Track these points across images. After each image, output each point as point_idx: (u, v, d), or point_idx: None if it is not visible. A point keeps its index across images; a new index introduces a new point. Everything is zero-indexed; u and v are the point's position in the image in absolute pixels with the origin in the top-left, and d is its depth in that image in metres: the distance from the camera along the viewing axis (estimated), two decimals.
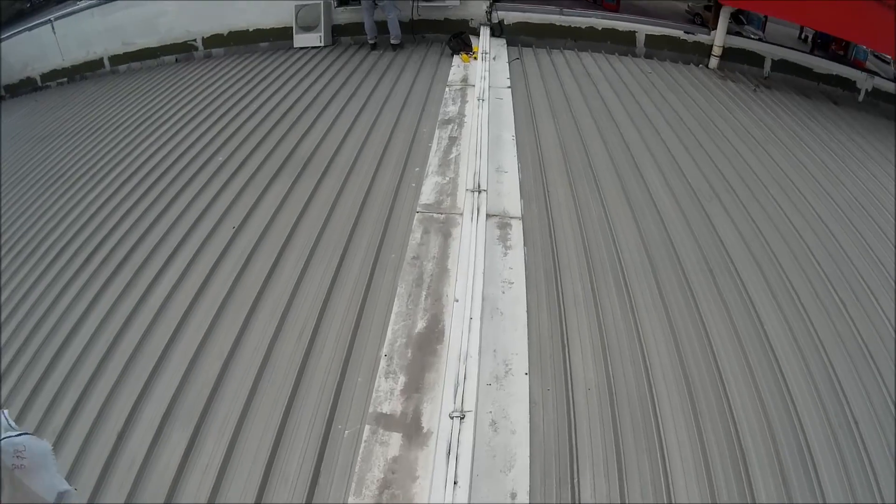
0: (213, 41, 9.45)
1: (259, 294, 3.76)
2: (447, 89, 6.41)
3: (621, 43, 8.47)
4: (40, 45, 10.38)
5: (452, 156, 5.04)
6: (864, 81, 8.38)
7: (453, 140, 5.27)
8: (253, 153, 5.54)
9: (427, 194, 4.55)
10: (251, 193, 4.88)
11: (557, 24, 8.43)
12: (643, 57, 8.48)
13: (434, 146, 5.21)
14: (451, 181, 4.69)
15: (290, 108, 6.42)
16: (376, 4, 8.01)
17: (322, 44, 8.63)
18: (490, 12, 8.36)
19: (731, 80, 8.02)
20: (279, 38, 9.00)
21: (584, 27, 8.48)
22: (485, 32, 8.12)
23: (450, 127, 5.52)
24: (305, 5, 8.63)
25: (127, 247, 4.46)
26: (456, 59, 7.48)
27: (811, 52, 10.63)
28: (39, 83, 10.85)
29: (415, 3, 8.05)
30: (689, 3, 24.83)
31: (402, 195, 4.63)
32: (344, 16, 8.68)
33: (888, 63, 9.80)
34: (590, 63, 7.81)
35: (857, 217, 4.99)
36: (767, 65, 8.55)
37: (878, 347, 3.58)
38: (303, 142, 5.62)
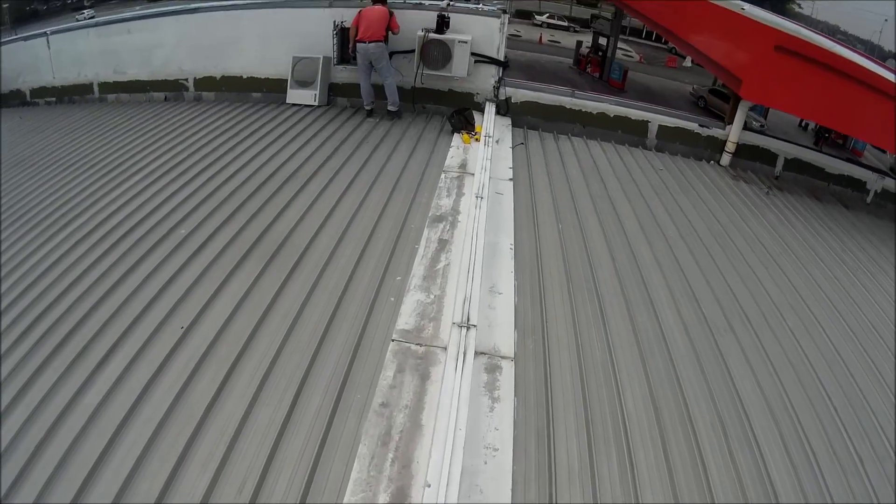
0: (205, 84, 8.93)
1: (196, 430, 3.08)
2: (443, 176, 5.84)
3: (632, 132, 8.03)
4: (34, 58, 9.97)
5: (440, 265, 4.42)
6: (874, 182, 8.27)
7: (443, 244, 4.67)
8: (220, 229, 4.91)
9: (406, 316, 3.91)
10: (209, 284, 4.23)
11: (568, 107, 7.98)
12: (654, 149, 8.05)
13: (421, 250, 4.60)
14: (435, 301, 4.05)
15: (271, 175, 5.83)
16: (373, 67, 7.49)
17: (316, 102, 8.10)
18: (497, 88, 7.89)
19: (743, 180, 7.61)
20: (273, 89, 8.49)
21: (594, 112, 8.04)
22: (490, 109, 7.63)
23: (441, 226, 4.92)
24: (303, 59, 8.12)
25: (59, 335, 3.82)
26: (456, 139, 6.95)
27: (816, 144, 10.48)
28: (28, 98, 10.36)
29: (418, 71, 7.50)
30: (694, 86, 25.12)
31: (377, 312, 3.99)
32: (343, 75, 8.18)
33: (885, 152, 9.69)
34: (598, 154, 7.33)
35: (872, 345, 4.73)
36: (780, 164, 8.28)
37: None
38: (278, 221, 5.01)
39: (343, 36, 7.69)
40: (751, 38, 7.41)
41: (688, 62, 34.41)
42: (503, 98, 7.92)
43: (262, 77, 8.61)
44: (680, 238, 5.52)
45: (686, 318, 4.45)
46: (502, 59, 7.74)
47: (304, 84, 8.15)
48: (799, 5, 42.95)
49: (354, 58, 7.43)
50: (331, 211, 5.11)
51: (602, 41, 26.76)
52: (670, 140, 8.15)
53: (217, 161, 6.22)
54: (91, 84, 9.94)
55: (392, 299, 4.13)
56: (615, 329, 4.14)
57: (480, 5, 7.83)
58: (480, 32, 7.66)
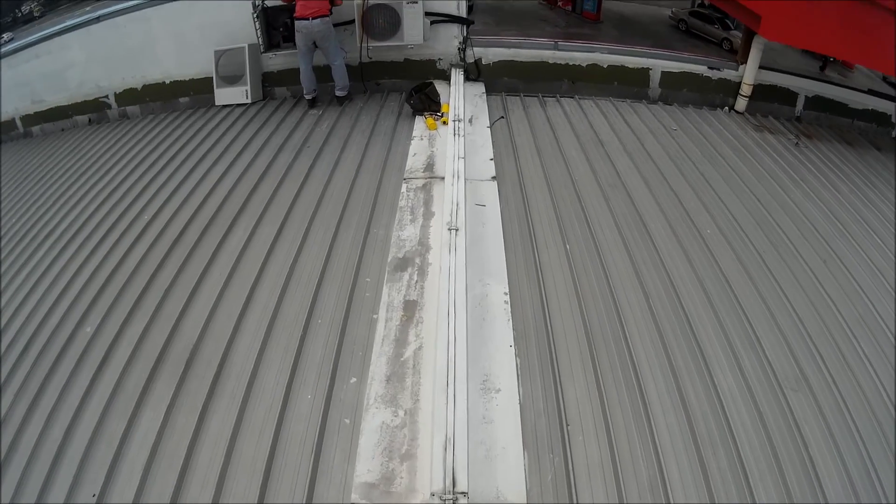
0: (127, 97, 7.27)
1: None
2: (405, 187, 4.27)
3: (631, 83, 6.35)
4: None
5: (409, 350, 2.93)
6: None
7: (411, 311, 3.15)
8: (122, 333, 3.40)
9: (367, 457, 2.47)
10: (114, 423, 2.79)
11: (551, 62, 6.27)
12: (658, 100, 6.35)
13: (381, 325, 3.10)
14: (407, 421, 2.59)
15: (187, 225, 4.26)
16: (316, 47, 5.78)
17: (249, 100, 6.42)
18: (463, 49, 6.16)
19: (767, 130, 6.00)
20: (201, 90, 6.80)
21: (584, 65, 6.32)
22: (457, 77, 5.92)
23: (406, 277, 3.40)
24: (227, 51, 6.40)
25: None
26: (419, 124, 5.31)
27: (821, 70, 8.91)
28: None
29: (363, 45, 5.78)
30: (673, 9, 22.60)
31: (327, 455, 2.56)
32: (277, 61, 6.45)
33: None
34: (597, 118, 5.66)
35: None
36: (800, 103, 6.68)
37: None
38: (187, 315, 3.46)
39: (267, 16, 5.93)
40: None
41: None
42: (472, 60, 6.20)
43: (187, 79, 6.91)
44: (723, 239, 3.97)
45: (749, 375, 2.96)
46: (465, 14, 5.96)
47: (232, 80, 6.45)
48: None
49: (287, 38, 5.68)
50: (255, 283, 3.55)
51: None
52: (676, 88, 6.48)
53: (126, 213, 4.64)
54: (13, 119, 8.28)
55: (346, 421, 2.66)
56: (664, 446, 2.64)
57: None
58: None
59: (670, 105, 6.32)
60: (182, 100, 7.05)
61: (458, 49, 6.16)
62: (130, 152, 5.81)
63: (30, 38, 7.77)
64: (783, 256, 3.92)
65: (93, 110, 7.57)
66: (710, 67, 6.47)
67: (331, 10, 5.62)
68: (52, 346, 3.40)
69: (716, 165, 4.96)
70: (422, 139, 5.06)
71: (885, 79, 7.81)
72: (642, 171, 4.68)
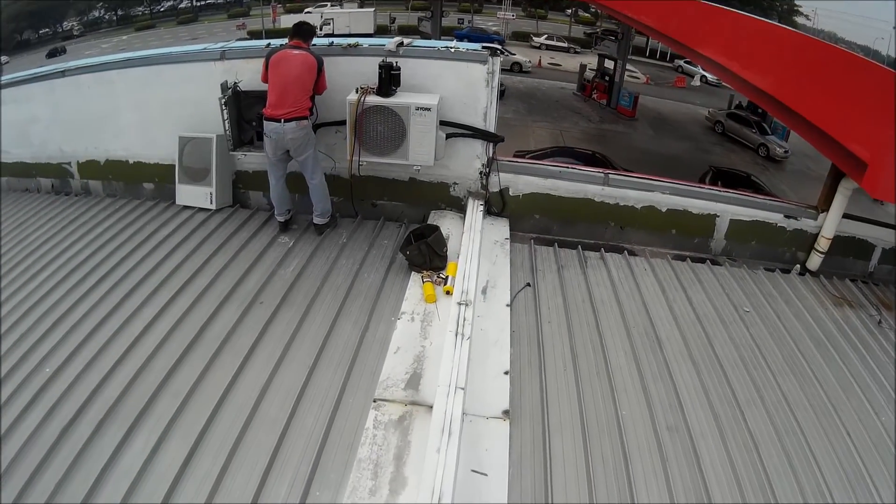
0: (90, 170, 5.68)
1: None
2: (372, 417, 2.48)
3: (692, 232, 4.64)
4: None
5: None
6: None
7: None
8: None
9: None
10: None
11: (598, 199, 4.47)
12: (722, 254, 4.61)
13: None
14: None
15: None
16: (290, 157, 4.04)
17: (213, 205, 4.68)
18: (487, 174, 4.37)
19: (847, 302, 4.29)
20: (166, 178, 5.18)
21: (639, 207, 4.51)
22: (475, 212, 4.14)
23: None
24: (192, 139, 4.71)
25: None
26: (413, 289, 3.52)
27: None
28: None
29: (354, 157, 4.02)
30: (710, 110, 21.05)
31: None
32: (253, 160, 4.71)
33: None
34: (652, 292, 3.90)
35: None
36: (875, 256, 4.93)
37: None
38: None
39: (239, 102, 4.23)
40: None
41: (696, 82, 30.17)
42: (496, 189, 4.39)
43: (151, 163, 5.27)
44: None
45: None
46: (493, 129, 4.21)
47: (196, 177, 4.74)
48: (806, 16, 38.07)
49: (262, 136, 3.96)
50: None
51: (608, 64, 22.79)
52: (743, 239, 4.70)
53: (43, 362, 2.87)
54: None
55: None
56: None
57: (458, 45, 4.26)
58: (455, 88, 4.19)
59: (735, 263, 4.56)
60: (146, 185, 5.38)
61: (480, 173, 4.38)
62: (74, 247, 4.31)
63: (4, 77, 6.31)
64: None
65: (56, 175, 5.99)
66: (786, 216, 4.67)
67: (311, 111, 3.89)
68: None
69: (795, 368, 3.33)
70: (412, 319, 3.24)
71: None
72: (713, 397, 2.79)
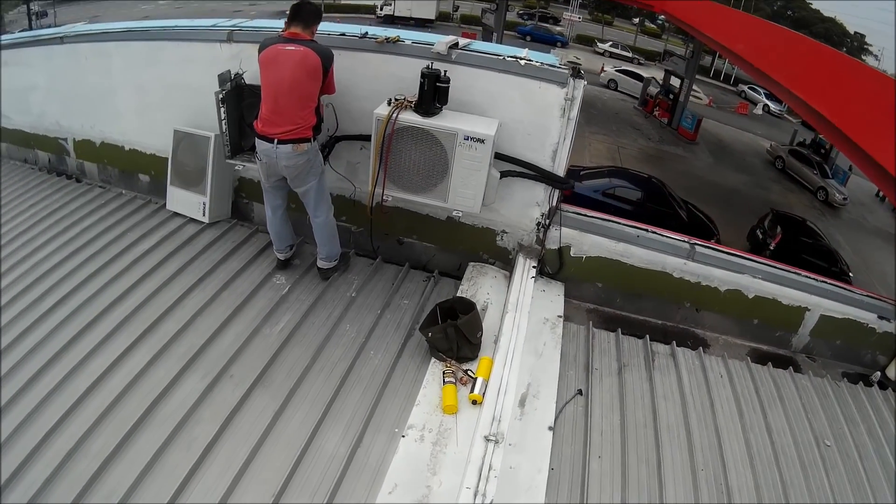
0: (85, 150, 4.81)
1: None
2: None
3: (776, 324, 3.56)
4: None
5: None
6: None
7: None
8: None
9: None
10: None
11: (676, 276, 3.32)
12: (802, 350, 3.60)
13: None
14: None
15: None
16: (286, 187, 2.98)
17: (206, 219, 3.69)
18: (546, 227, 3.23)
19: None
20: (162, 173, 4.20)
21: (722, 290, 3.35)
22: (524, 278, 3.01)
23: None
24: (188, 135, 3.69)
25: None
26: (430, 386, 2.43)
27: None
28: None
29: (375, 188, 2.94)
30: (772, 143, 19.19)
31: None
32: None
33: None
34: (726, 409, 2.81)
35: None
36: None
37: None
38: None
39: (242, 100, 3.20)
40: None
41: (758, 110, 28.01)
42: (554, 247, 3.26)
43: (147, 153, 4.34)
44: None
45: None
46: (562, 172, 3.07)
47: (189, 180, 3.76)
48: (875, 56, 35.19)
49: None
50: None
51: (674, 81, 21.02)
52: (829, 337, 3.63)
53: None
54: None
55: None
56: None
57: (530, 56, 3.11)
58: (519, 113, 3.06)
59: (814, 362, 3.59)
60: (142, 177, 4.43)
61: (538, 225, 3.26)
62: (32, 257, 3.47)
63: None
64: None
65: (53, 151, 5.15)
66: (879, 317, 3.45)
67: (316, 130, 2.82)
68: None
69: None
70: (422, 438, 2.24)
71: None
72: None
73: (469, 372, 2.52)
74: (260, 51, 2.84)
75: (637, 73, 24.58)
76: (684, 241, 3.37)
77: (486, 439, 2.05)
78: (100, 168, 4.79)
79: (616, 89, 23.77)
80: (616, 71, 25.07)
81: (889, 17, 27.86)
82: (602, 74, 25.03)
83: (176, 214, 3.92)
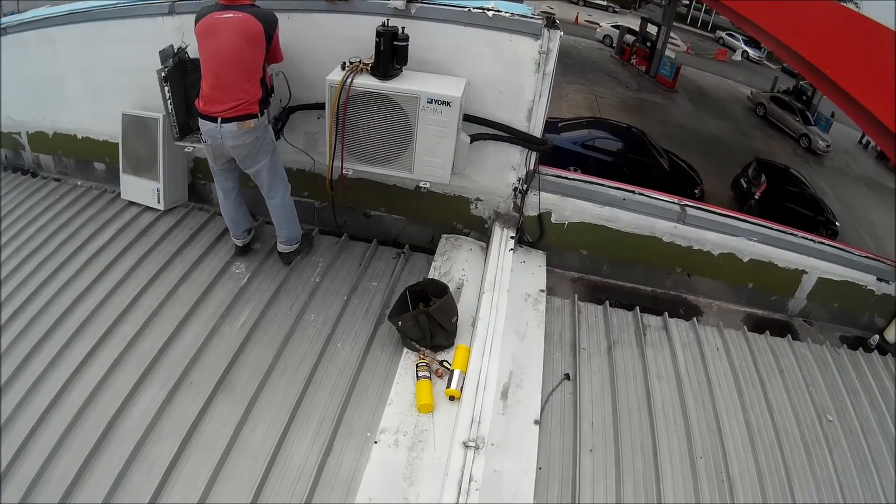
0: (40, 143, 4.55)
1: None
2: None
3: (772, 288, 3.36)
4: None
5: None
6: None
7: None
8: None
9: None
10: None
11: (667, 240, 3.08)
12: (799, 314, 3.43)
13: None
14: None
15: None
16: (237, 168, 2.69)
17: (161, 206, 3.41)
18: (524, 192, 2.98)
19: None
20: (117, 160, 3.83)
21: (716, 254, 3.11)
22: (502, 250, 2.77)
23: None
24: (136, 118, 3.38)
25: None
26: (400, 390, 2.22)
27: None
28: None
29: (334, 160, 2.66)
30: (753, 90, 18.76)
31: None
32: None
33: None
34: (724, 384, 2.69)
35: None
36: None
37: None
38: None
39: (186, 76, 2.89)
40: None
41: (737, 56, 27.37)
42: (533, 213, 3.02)
43: (100, 140, 4.05)
44: None
45: None
46: (539, 133, 2.79)
47: (141, 166, 3.47)
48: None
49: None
50: None
51: (651, 29, 20.37)
52: (826, 300, 3.44)
53: None
54: None
55: None
56: None
57: (499, 6, 2.80)
58: (489, 70, 2.77)
59: (813, 329, 3.40)
60: (98, 166, 4.14)
61: (515, 190, 3.01)
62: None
63: None
64: None
65: (9, 146, 4.89)
66: (878, 279, 3.30)
67: (263, 103, 2.52)
68: None
69: None
70: (396, 444, 2.05)
71: None
72: None
73: (445, 363, 2.30)
74: (196, 21, 2.53)
75: (633, 28, 23.84)
76: (674, 202, 3.13)
77: (466, 446, 1.85)
78: (55, 159, 4.51)
79: (612, 45, 23.03)
80: (612, 27, 24.31)
81: None
82: (598, 30, 24.23)
83: (132, 203, 3.63)
